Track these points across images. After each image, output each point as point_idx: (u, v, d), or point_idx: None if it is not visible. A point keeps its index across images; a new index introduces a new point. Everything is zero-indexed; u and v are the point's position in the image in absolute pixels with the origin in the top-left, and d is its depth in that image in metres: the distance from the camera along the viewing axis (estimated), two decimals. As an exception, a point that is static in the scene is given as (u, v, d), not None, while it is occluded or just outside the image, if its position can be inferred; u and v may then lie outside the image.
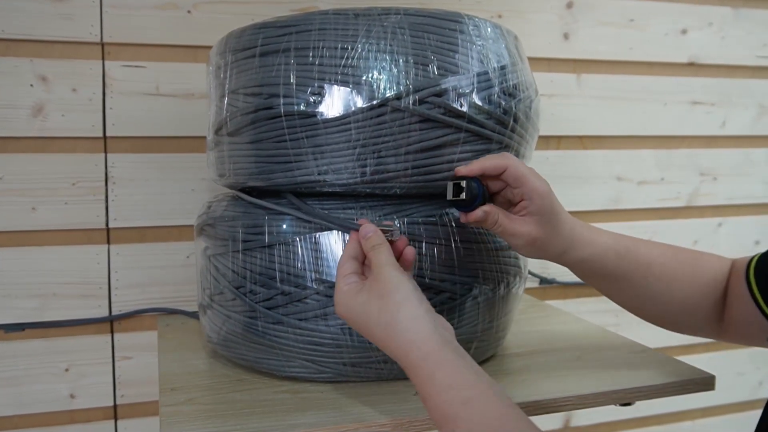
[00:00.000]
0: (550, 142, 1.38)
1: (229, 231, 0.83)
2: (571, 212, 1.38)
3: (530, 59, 1.34)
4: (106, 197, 1.11)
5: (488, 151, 0.84)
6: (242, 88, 0.81)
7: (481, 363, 0.92)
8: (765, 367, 1.59)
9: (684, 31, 1.44)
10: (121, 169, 1.11)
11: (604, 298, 1.41)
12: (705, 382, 0.89)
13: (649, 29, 1.42)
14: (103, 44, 1.08)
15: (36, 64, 1.06)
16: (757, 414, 1.57)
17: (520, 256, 0.94)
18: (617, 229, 1.42)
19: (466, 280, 0.83)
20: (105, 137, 1.10)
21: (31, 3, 1.04)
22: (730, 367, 1.56)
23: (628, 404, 0.87)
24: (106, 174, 1.10)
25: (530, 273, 1.36)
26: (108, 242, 1.12)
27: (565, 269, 1.36)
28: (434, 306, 0.76)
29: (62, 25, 1.06)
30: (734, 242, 1.52)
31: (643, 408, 1.50)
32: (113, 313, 1.13)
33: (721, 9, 1.46)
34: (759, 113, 1.52)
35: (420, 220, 0.80)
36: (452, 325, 0.78)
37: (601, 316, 1.43)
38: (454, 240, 0.83)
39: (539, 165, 1.35)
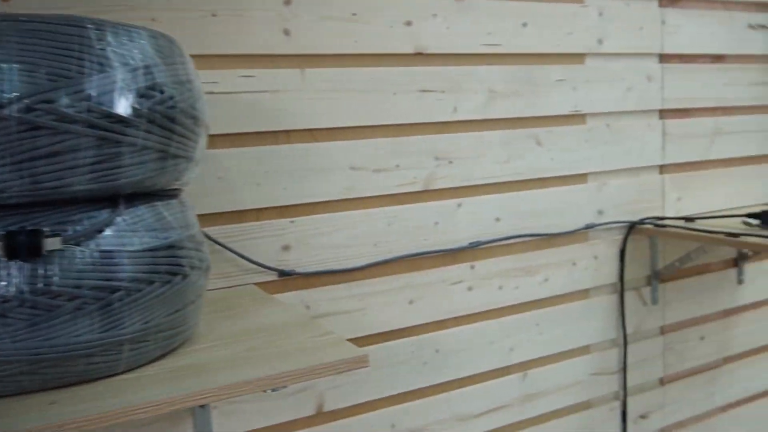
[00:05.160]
0: (278, 136, 1.41)
1: None
2: (304, 204, 1.43)
3: (251, 56, 1.38)
4: None
5: (120, 155, 0.85)
6: None
7: (152, 360, 0.94)
8: (515, 335, 1.70)
9: (408, 23, 1.50)
10: None
11: (350, 284, 1.47)
12: (358, 361, 0.95)
13: (373, 22, 1.47)
14: None
15: None
16: (514, 379, 1.67)
17: (199, 250, 0.97)
18: (354, 216, 1.48)
19: (118, 280, 0.84)
20: None
21: None
22: (482, 337, 1.65)
23: (275, 390, 0.91)
24: None
25: (263, 266, 1.40)
26: None
27: (307, 259, 1.41)
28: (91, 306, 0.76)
29: None
30: (474, 221, 1.61)
31: (399, 386, 1.57)
32: None
33: (444, 1, 1.53)
34: (489, 98, 1.61)
35: (47, 230, 0.81)
36: (117, 323, 0.79)
37: (347, 301, 1.48)
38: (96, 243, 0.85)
39: (269, 159, 1.38)
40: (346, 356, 0.94)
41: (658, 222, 1.83)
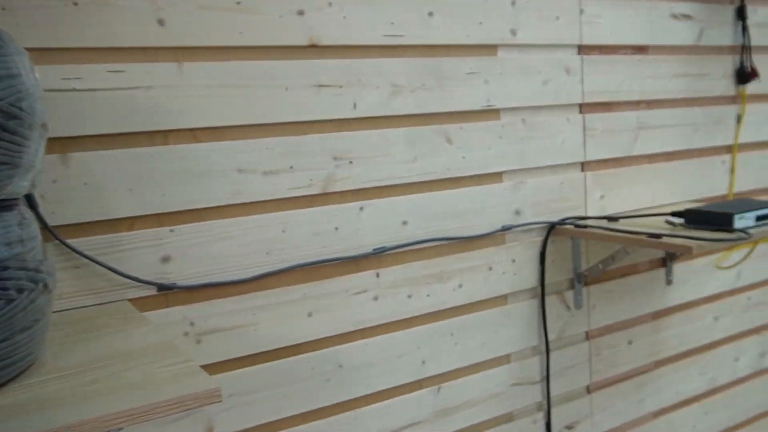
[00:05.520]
0: (155, 137, 1.28)
1: None
2: (186, 211, 1.31)
3: (121, 49, 1.25)
4: None
5: None
6: None
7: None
8: (427, 346, 1.59)
9: (301, 13, 1.38)
10: None
11: (241, 297, 1.35)
12: (208, 396, 0.83)
13: (261, 12, 1.35)
14: None
15: None
16: (427, 393, 1.57)
17: (31, 269, 0.85)
18: (243, 223, 1.36)
19: None
20: None
21: None
22: (391, 350, 1.54)
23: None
24: None
25: (138, 280, 1.27)
26: None
27: (190, 271, 1.28)
28: None
29: None
30: (379, 225, 1.50)
31: (299, 405, 1.45)
32: None
33: (339, -12, 1.42)
34: (392, 93, 1.50)
35: None
36: None
37: (237, 316, 1.36)
38: None
39: (144, 162, 1.26)
40: (195, 391, 0.82)
41: (578, 222, 1.74)
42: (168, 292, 1.31)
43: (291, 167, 1.40)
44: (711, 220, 1.56)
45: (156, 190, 1.28)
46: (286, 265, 1.41)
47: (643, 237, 1.55)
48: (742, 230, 1.50)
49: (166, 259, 1.30)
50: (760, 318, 2.27)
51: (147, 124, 1.27)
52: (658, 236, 1.53)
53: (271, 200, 1.39)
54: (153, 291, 1.29)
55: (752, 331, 2.26)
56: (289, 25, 1.38)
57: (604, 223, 1.73)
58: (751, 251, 2.17)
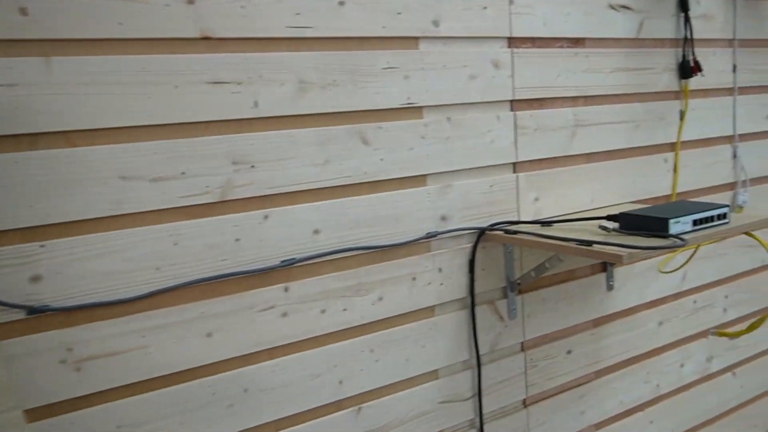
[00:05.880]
0: (20, 141, 1.13)
1: None
2: (59, 224, 1.17)
3: (-24, 42, 1.09)
4: None
5: None
6: None
7: None
8: (345, 364, 1.46)
9: (191, 1, 1.25)
10: None
11: (127, 318, 1.21)
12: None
13: (144, 0, 1.21)
14: None
15: None
16: (346, 415, 1.45)
17: None
18: (127, 236, 1.22)
19: None
20: None
21: None
22: (303, 370, 1.42)
23: None
24: None
25: (2, 303, 1.12)
26: None
27: (67, 291, 1.14)
28: None
29: None
30: (287, 234, 1.37)
31: (195, 435, 1.31)
32: None
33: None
34: (299, 90, 1.36)
35: None
36: None
37: (123, 339, 1.23)
38: None
39: (7, 170, 1.11)
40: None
41: (509, 228, 1.62)
42: (40, 316, 1.16)
43: (183, 173, 1.27)
44: (646, 225, 1.45)
45: (22, 201, 1.14)
46: (179, 281, 1.27)
47: (573, 244, 1.45)
48: (678, 236, 1.40)
49: (36, 279, 1.15)
50: (707, 321, 2.18)
51: (10, 127, 1.12)
52: (589, 243, 1.42)
53: (160, 210, 1.25)
54: (21, 315, 1.15)
55: (699, 335, 2.17)
56: (176, 15, 1.24)
57: (537, 228, 1.62)
58: (694, 253, 2.08)
